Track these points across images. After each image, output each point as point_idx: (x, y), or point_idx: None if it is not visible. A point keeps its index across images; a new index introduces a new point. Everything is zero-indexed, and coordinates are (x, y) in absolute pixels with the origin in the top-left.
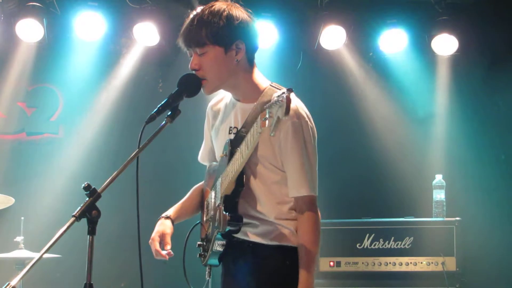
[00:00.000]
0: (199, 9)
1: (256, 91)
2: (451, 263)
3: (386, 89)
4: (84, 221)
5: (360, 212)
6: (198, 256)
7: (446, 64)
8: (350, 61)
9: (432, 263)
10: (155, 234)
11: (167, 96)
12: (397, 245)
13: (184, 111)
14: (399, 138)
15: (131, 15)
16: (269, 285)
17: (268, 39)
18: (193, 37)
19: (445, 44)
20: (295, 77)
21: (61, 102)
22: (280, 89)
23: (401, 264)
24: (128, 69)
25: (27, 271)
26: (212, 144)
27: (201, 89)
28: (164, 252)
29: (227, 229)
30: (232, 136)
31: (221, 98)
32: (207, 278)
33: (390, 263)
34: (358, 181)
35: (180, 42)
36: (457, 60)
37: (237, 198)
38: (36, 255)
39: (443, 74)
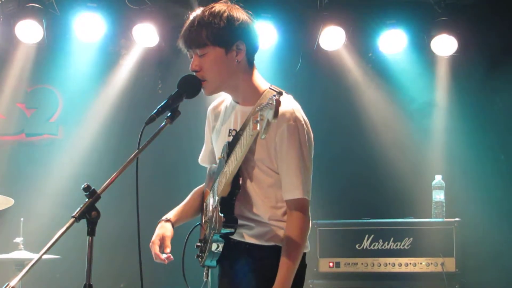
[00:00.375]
0: (199, 10)
1: (255, 93)
2: (450, 264)
3: (385, 89)
4: (83, 222)
5: (360, 212)
6: (196, 257)
7: (446, 64)
8: (349, 62)
9: (431, 263)
10: (155, 237)
11: (167, 97)
12: (396, 246)
13: (184, 113)
14: (398, 139)
15: (130, 16)
16: (265, 286)
17: (267, 40)
18: (194, 38)
19: (445, 44)
20: (294, 78)
21: (60, 103)
22: (278, 92)
23: (400, 264)
24: (128, 70)
25: (27, 272)
26: (212, 146)
27: (201, 90)
28: (163, 256)
29: (222, 231)
30: (230, 139)
31: (222, 100)
32: (205, 279)
33: (389, 263)
34: (357, 182)
35: (181, 44)
36: (456, 60)
37: (233, 200)
38: (35, 256)
39: (442, 74)
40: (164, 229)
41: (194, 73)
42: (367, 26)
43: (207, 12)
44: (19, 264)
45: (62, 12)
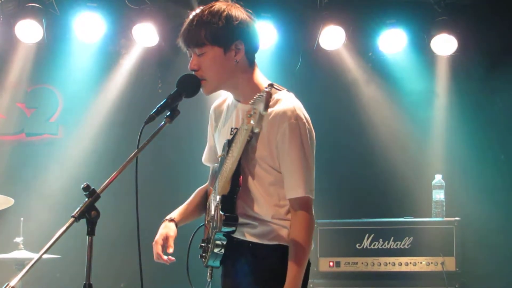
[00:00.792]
0: (199, 9)
1: (256, 91)
2: (450, 263)
3: (385, 89)
4: (83, 221)
5: (360, 212)
6: (199, 257)
7: (446, 64)
8: (349, 61)
9: (431, 263)
10: (158, 237)
11: (166, 96)
12: (396, 245)
13: (185, 112)
14: (398, 138)
15: (130, 15)
16: (268, 285)
17: (267, 40)
18: (192, 37)
19: (445, 44)
20: (294, 78)
21: (60, 103)
22: (280, 90)
23: (400, 264)
24: (128, 69)
25: (27, 272)
26: (215, 145)
27: (201, 89)
28: (165, 257)
29: (223, 229)
30: (231, 137)
31: (224, 99)
32: (209, 280)
33: (389, 263)
34: (357, 181)
35: (180, 42)
36: (456, 60)
37: (234, 198)
38: (35, 256)
39: (442, 74)
40: (167, 228)
41: (193, 72)
42: (367, 26)
43: (207, 11)
44: (19, 263)
45: (62, 12)
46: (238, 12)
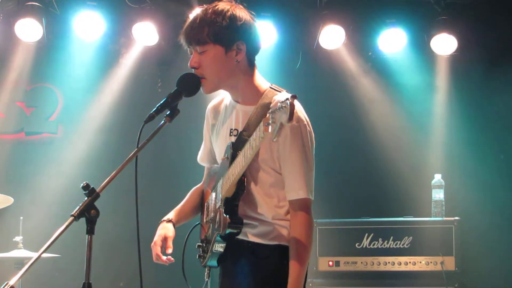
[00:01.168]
0: (201, 8)
1: (256, 93)
2: (450, 263)
3: (385, 88)
4: (82, 220)
5: (359, 211)
6: (197, 257)
7: (445, 63)
8: (349, 61)
9: (431, 262)
10: (157, 238)
11: (166, 95)
12: (396, 245)
13: (184, 111)
14: (398, 138)
15: (130, 14)
16: (268, 285)
17: (267, 39)
18: (195, 35)
19: (444, 43)
20: (294, 77)
21: (60, 102)
22: (280, 91)
23: (400, 263)
24: (127, 68)
25: (26, 271)
26: (211, 145)
27: (200, 88)
28: (164, 258)
29: (227, 232)
30: (233, 139)
31: (221, 99)
32: (206, 279)
33: (389, 262)
34: (357, 181)
35: (182, 39)
36: (456, 59)
37: (237, 201)
38: (35, 255)
39: (442, 73)
40: (166, 229)
41: (193, 71)
42: (367, 25)
43: (211, 10)
44: (19, 263)
45: (62, 11)
46: (242, 13)
